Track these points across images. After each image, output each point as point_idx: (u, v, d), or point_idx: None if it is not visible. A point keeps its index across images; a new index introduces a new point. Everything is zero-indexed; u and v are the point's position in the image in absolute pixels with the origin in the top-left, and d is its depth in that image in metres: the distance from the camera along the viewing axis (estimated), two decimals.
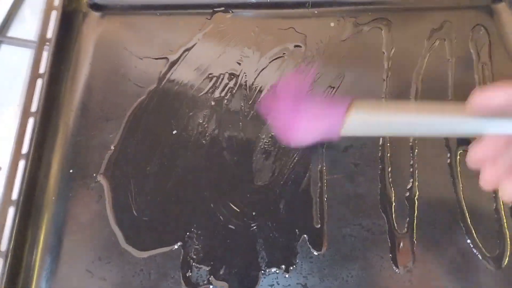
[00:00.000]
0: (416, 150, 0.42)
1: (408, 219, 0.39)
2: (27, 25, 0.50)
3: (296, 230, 0.39)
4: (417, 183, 0.41)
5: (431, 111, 0.27)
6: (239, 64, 0.47)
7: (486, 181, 0.27)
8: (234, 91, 0.45)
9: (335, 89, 0.45)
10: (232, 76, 0.46)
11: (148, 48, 0.48)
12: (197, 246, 0.38)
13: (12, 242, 0.35)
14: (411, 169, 0.41)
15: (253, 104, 0.44)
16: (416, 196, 0.40)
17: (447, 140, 0.43)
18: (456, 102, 0.26)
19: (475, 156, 0.27)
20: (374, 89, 0.45)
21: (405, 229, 0.39)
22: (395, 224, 0.39)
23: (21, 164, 0.38)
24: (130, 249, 0.38)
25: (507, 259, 0.38)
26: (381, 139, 0.43)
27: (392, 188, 0.41)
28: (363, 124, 0.29)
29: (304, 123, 0.30)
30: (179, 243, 0.39)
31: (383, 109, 0.29)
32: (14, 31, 0.50)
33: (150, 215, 0.40)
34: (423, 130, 0.29)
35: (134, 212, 0.40)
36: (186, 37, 0.48)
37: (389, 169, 0.41)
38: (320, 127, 0.29)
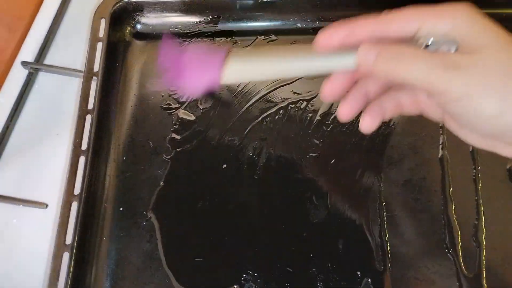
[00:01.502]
0: (480, 184, 0.40)
1: (476, 260, 0.37)
2: (63, 52, 0.49)
3: (358, 273, 0.37)
4: (483, 220, 0.39)
5: (288, 54, 0.29)
6: (288, 93, 0.45)
7: (341, 115, 0.29)
8: (282, 121, 0.44)
9: None
10: (282, 106, 0.45)
11: None
12: (254, 285, 0.37)
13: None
14: (476, 205, 0.39)
15: (306, 137, 0.43)
16: (484, 235, 0.38)
17: (511, 173, 0.41)
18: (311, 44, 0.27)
19: (325, 92, 0.29)
20: None
21: (474, 271, 0.37)
22: (463, 266, 0.37)
23: (74, 205, 0.37)
24: None
25: None
26: (440, 171, 0.41)
27: (458, 226, 0.38)
28: (239, 71, 0.30)
29: (187, 72, 0.31)
30: (235, 286, 0.37)
31: (251, 56, 0.30)
32: (49, 59, 0.49)
33: (203, 255, 0.38)
34: (284, 72, 0.31)
35: (187, 252, 0.38)
36: None
37: (453, 204, 0.39)
38: (202, 75, 0.31)
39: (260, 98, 0.45)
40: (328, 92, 0.29)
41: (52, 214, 0.40)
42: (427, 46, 0.24)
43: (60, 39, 0.50)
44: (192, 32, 0.49)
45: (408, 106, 0.30)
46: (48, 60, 0.49)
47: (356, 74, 0.29)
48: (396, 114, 0.30)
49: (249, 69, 0.30)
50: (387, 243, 0.38)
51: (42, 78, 0.48)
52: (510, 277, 0.37)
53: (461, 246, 0.38)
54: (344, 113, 0.30)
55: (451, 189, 0.40)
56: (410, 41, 0.25)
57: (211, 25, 0.49)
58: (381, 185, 0.40)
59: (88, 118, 0.41)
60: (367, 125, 0.29)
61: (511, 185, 0.40)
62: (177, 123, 0.44)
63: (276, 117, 0.44)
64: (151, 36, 0.48)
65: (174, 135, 0.43)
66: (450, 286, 0.36)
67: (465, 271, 0.37)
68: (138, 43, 0.48)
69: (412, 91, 0.29)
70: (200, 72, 0.31)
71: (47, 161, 0.43)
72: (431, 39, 0.24)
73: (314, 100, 0.45)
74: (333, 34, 0.26)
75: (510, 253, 0.37)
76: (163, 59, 0.34)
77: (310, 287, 0.37)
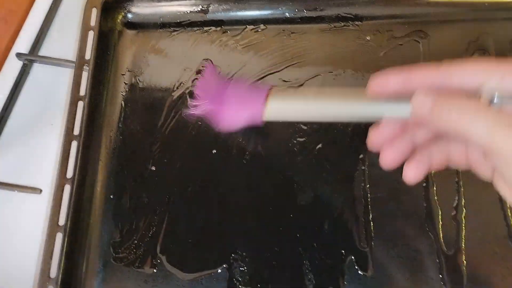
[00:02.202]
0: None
1: (455, 238, 0.39)
2: (57, 44, 0.50)
3: (342, 251, 0.39)
4: (463, 201, 0.40)
5: (336, 97, 0.29)
6: (274, 81, 0.46)
7: (384, 161, 0.28)
8: None
9: None
10: None
11: (181, 66, 0.47)
12: (242, 268, 0.38)
13: (61, 268, 0.35)
14: (457, 186, 0.41)
15: (293, 123, 0.44)
16: (463, 215, 0.40)
17: None
18: (362, 88, 0.27)
19: (373, 139, 0.28)
20: None
21: (454, 249, 0.38)
22: (443, 244, 0.39)
23: (67, 188, 0.38)
24: (175, 271, 0.38)
25: None
26: None
27: (439, 207, 0.40)
28: (281, 110, 0.31)
29: (228, 109, 0.32)
30: (224, 265, 0.38)
31: (296, 96, 0.31)
32: (44, 50, 0.50)
33: (194, 237, 0.39)
34: (330, 115, 0.30)
35: (178, 234, 0.40)
36: (221, 54, 0.48)
37: (434, 186, 0.41)
38: (243, 113, 0.31)
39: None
40: (376, 140, 0.28)
41: (46, 199, 0.41)
42: (491, 102, 0.23)
43: (55, 31, 0.51)
44: (183, 21, 0.50)
45: (457, 159, 0.28)
46: (42, 52, 0.50)
47: (407, 121, 0.28)
48: (443, 166, 0.29)
49: (294, 109, 0.30)
50: (370, 223, 0.39)
51: (37, 69, 0.49)
52: (488, 254, 0.38)
53: (441, 226, 0.39)
54: (389, 161, 0.28)
55: (432, 172, 0.41)
56: (472, 95, 0.24)
57: (201, 14, 0.50)
58: (366, 168, 0.42)
59: (80, 104, 0.42)
60: (413, 175, 0.28)
61: None
62: (168, 109, 0.45)
63: None
64: (142, 26, 0.49)
65: (164, 122, 0.44)
66: (431, 263, 0.38)
67: (445, 248, 0.38)
68: (129, 32, 0.49)
69: (465, 144, 0.27)
70: (242, 108, 0.31)
71: (41, 149, 0.44)
72: (497, 94, 0.23)
73: (301, 87, 0.46)
74: (389, 80, 0.25)
75: (488, 232, 0.39)
76: (203, 88, 0.34)
77: (296, 265, 0.38)
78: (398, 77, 0.25)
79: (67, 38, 0.50)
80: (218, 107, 0.33)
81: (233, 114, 0.32)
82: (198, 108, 0.34)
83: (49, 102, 0.47)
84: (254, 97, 0.31)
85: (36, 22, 0.51)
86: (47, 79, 0.48)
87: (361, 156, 0.42)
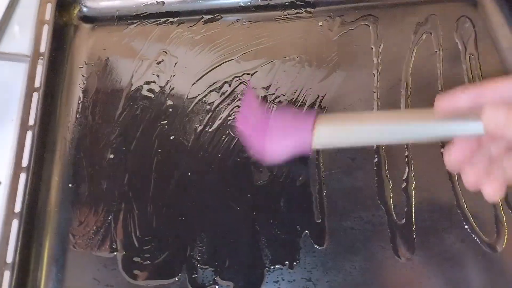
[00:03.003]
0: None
1: (406, 209, 0.40)
2: (17, 40, 0.51)
3: (298, 227, 0.40)
4: (413, 173, 0.42)
5: (400, 119, 0.28)
6: (230, 68, 0.47)
7: (469, 183, 0.27)
8: (227, 96, 0.46)
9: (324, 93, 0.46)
10: (227, 81, 0.47)
11: (139, 58, 0.48)
12: (201, 248, 0.39)
13: (17, 254, 0.36)
14: (406, 160, 0.42)
15: None
16: (413, 186, 0.41)
17: None
18: (422, 108, 0.27)
19: (450, 160, 0.28)
20: (365, 84, 0.46)
21: (404, 219, 0.40)
22: (394, 215, 0.40)
23: (22, 177, 0.38)
24: (134, 253, 0.39)
25: (504, 243, 0.39)
26: None
27: (390, 180, 0.41)
28: (333, 137, 0.29)
29: (274, 141, 0.30)
30: (183, 245, 0.39)
31: (352, 120, 0.29)
32: (4, 46, 0.51)
33: (152, 219, 0.40)
34: (395, 137, 0.29)
35: (137, 217, 0.40)
36: (178, 45, 0.49)
37: (385, 161, 0.42)
38: (291, 143, 0.30)
39: (206, 74, 0.47)
40: (454, 161, 0.27)
41: (5, 191, 0.41)
42: None
43: (14, 27, 0.52)
44: (139, 14, 0.51)
45: None
46: (1, 48, 0.51)
47: (480, 138, 0.27)
48: None
49: (352, 133, 0.29)
50: (324, 199, 0.41)
51: None
52: (437, 222, 0.40)
53: (392, 197, 0.41)
54: (471, 182, 0.27)
55: (383, 147, 0.43)
56: None
57: (157, 6, 0.51)
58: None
59: (36, 96, 0.42)
60: (496, 192, 0.27)
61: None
62: (126, 100, 0.46)
63: (221, 90, 0.46)
64: (99, 19, 0.50)
65: (122, 111, 0.45)
66: (382, 233, 0.39)
67: (396, 219, 0.40)
68: (86, 26, 0.50)
69: None
70: (289, 138, 0.30)
71: (1, 143, 0.44)
72: None
73: (256, 74, 0.47)
74: (460, 98, 0.25)
75: (437, 201, 0.40)
76: (245, 121, 0.32)
77: (253, 241, 0.39)
78: (468, 94, 0.25)
79: (27, 34, 0.50)
80: (263, 139, 0.31)
81: (280, 144, 0.31)
82: (244, 132, 0.32)
83: (9, 97, 0.47)
84: (300, 125, 0.29)
85: None
86: (6, 75, 0.49)
87: None
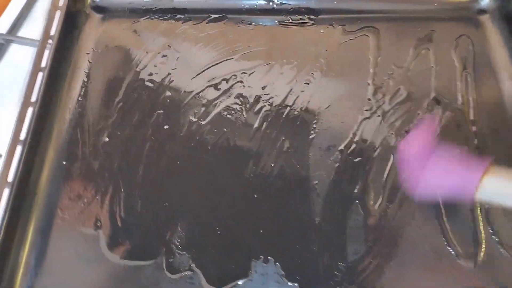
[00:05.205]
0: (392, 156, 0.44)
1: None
2: (37, 26, 0.53)
3: (281, 221, 0.41)
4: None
5: None
6: (229, 67, 0.49)
7: None
8: (224, 92, 0.48)
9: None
10: (225, 78, 0.48)
11: (144, 49, 0.50)
12: (181, 234, 0.40)
13: (5, 220, 0.37)
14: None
15: (245, 103, 0.47)
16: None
17: None
18: None
19: None
20: (359, 92, 0.47)
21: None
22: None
23: (18, 149, 0.40)
24: (116, 234, 0.40)
25: (481, 257, 0.39)
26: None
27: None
28: (500, 193, 0.28)
29: (436, 177, 0.29)
30: (163, 231, 0.40)
31: None
32: (24, 32, 0.53)
33: (139, 203, 0.42)
34: None
35: (123, 199, 0.42)
36: (182, 40, 0.51)
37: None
38: (451, 184, 0.29)
39: (205, 70, 0.49)
40: None
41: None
42: None
43: (37, 13, 0.54)
44: (149, 8, 0.53)
45: None
46: (22, 33, 0.53)
47: None
48: None
49: None
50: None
51: (14, 49, 0.52)
52: (413, 231, 0.40)
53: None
54: None
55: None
56: None
57: (167, 2, 0.53)
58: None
59: (40, 75, 0.44)
60: None
61: None
62: (127, 88, 0.48)
63: (218, 87, 0.48)
64: (110, 10, 0.53)
65: (122, 98, 0.47)
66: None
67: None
68: (97, 15, 0.52)
69: None
70: (451, 179, 0.29)
71: (10, 121, 0.46)
72: None
73: (253, 74, 0.49)
74: None
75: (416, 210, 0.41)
76: (412, 143, 0.32)
77: (234, 232, 0.40)
78: None
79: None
80: (423, 170, 0.30)
81: (438, 181, 0.30)
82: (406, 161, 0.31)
83: (22, 79, 0.49)
84: (468, 170, 0.28)
85: (19, 4, 0.54)
86: (23, 59, 0.51)
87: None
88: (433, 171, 0.29)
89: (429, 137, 0.32)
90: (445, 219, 0.40)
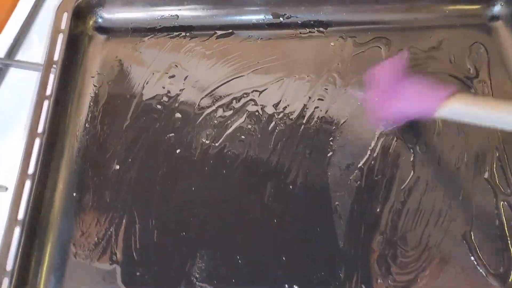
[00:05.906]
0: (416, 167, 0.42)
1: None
2: (35, 49, 0.52)
3: (304, 247, 0.39)
4: None
5: None
6: (240, 84, 0.48)
7: None
8: (237, 111, 0.46)
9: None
10: (236, 97, 0.47)
11: (150, 70, 0.49)
12: (200, 265, 0.39)
13: (17, 261, 0.36)
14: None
15: (258, 123, 0.45)
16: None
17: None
18: None
19: None
20: None
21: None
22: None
23: (27, 184, 0.38)
24: (133, 268, 0.39)
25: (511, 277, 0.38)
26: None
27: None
28: (462, 112, 0.31)
29: (402, 98, 0.32)
30: (183, 262, 0.39)
31: (481, 103, 0.32)
32: (22, 55, 0.52)
33: (156, 234, 0.40)
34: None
35: (139, 231, 0.40)
36: (190, 59, 0.49)
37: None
38: (417, 105, 0.31)
39: (215, 88, 0.48)
40: None
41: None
42: None
43: (34, 36, 0.53)
44: (153, 27, 0.51)
45: None
46: (20, 56, 0.52)
47: None
48: None
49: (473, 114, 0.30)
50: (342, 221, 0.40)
51: (12, 73, 0.50)
52: (442, 252, 0.39)
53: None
54: None
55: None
56: None
57: (171, 20, 0.51)
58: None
59: (46, 104, 0.43)
60: None
61: None
62: (135, 111, 0.46)
63: (230, 106, 0.46)
64: (113, 31, 0.51)
65: (130, 123, 0.45)
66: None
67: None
68: (100, 36, 0.50)
69: None
70: (416, 100, 0.32)
71: (13, 149, 0.44)
72: None
73: (265, 91, 0.47)
74: None
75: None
76: (381, 72, 0.35)
77: (256, 261, 0.39)
78: None
79: (45, 44, 0.51)
80: (392, 96, 0.33)
81: (405, 103, 0.33)
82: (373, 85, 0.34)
83: (23, 105, 0.48)
84: (432, 92, 0.31)
85: (15, 28, 0.53)
86: (22, 83, 0.49)
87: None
88: (400, 94, 0.32)
89: (397, 66, 0.35)
90: (474, 239, 0.39)
